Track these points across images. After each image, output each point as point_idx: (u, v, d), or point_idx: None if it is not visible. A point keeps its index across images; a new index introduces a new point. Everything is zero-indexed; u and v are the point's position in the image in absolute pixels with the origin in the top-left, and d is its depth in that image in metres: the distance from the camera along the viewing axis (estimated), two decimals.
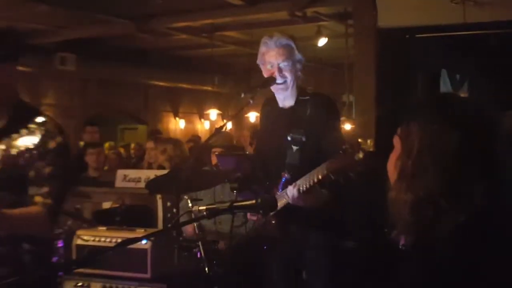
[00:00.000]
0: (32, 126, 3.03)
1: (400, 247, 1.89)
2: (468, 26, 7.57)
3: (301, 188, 3.88)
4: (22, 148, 2.88)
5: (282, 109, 4.37)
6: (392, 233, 1.88)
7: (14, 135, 3.09)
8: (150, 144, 9.09)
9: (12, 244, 3.24)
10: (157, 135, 12.76)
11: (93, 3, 10.45)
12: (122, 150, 14.08)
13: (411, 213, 1.80)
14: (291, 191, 3.91)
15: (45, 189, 3.17)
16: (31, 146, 2.89)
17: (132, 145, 13.75)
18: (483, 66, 9.80)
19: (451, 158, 1.78)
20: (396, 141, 1.95)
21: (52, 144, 3.05)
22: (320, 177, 3.77)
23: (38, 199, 3.17)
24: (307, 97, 4.31)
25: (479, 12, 7.34)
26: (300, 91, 4.33)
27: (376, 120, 7.51)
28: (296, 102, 4.31)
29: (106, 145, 11.97)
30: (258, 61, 4.38)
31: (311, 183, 3.83)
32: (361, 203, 5.96)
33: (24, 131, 3.06)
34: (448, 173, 1.77)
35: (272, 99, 4.39)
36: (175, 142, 8.20)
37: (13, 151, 2.89)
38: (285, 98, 4.32)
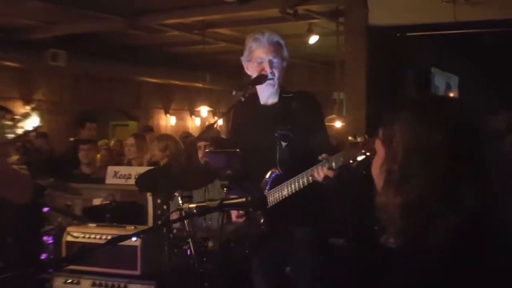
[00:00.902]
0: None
1: (390, 245, 1.87)
2: (458, 25, 7.61)
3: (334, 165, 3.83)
4: None
5: (265, 106, 4.37)
6: (382, 237, 1.85)
7: None
8: (130, 141, 8.97)
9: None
10: (149, 131, 12.73)
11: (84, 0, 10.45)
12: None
13: (403, 217, 1.76)
14: (322, 171, 3.84)
15: (15, 157, 3.21)
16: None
17: (112, 142, 13.64)
18: (473, 64, 9.83)
19: (440, 160, 1.74)
20: (378, 145, 1.90)
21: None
22: (348, 161, 3.75)
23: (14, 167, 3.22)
24: (291, 94, 4.34)
25: (469, 11, 7.36)
26: (282, 89, 4.35)
27: (367, 118, 7.54)
28: (279, 99, 4.33)
29: (101, 142, 11.94)
30: (244, 57, 4.39)
31: (336, 166, 3.81)
32: (351, 201, 5.97)
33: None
34: (437, 175, 1.73)
35: (250, 96, 4.38)
36: (174, 139, 8.18)
37: None
38: (269, 95, 4.33)
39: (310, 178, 3.88)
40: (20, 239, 3.39)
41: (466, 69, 10.30)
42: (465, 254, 1.68)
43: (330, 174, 3.82)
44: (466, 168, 1.74)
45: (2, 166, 3.14)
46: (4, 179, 3.16)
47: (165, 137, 8.30)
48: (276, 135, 4.19)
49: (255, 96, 4.37)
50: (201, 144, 6.58)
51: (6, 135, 2.88)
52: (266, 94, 4.33)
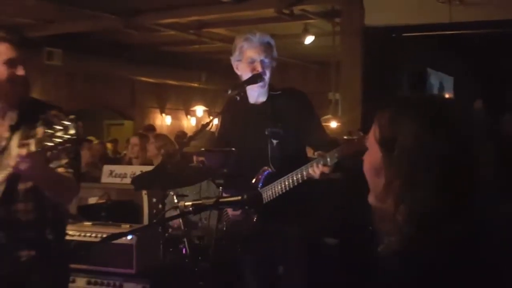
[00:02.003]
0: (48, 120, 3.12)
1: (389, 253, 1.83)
2: (454, 26, 7.62)
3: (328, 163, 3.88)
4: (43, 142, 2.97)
5: (254, 105, 4.40)
6: (381, 246, 1.80)
7: (29, 130, 3.20)
8: (134, 140, 9.05)
9: (39, 228, 3.35)
10: (152, 131, 12.73)
11: None
12: (109, 146, 14.06)
13: (409, 226, 1.69)
14: (318, 168, 3.89)
15: (64, 161, 3.29)
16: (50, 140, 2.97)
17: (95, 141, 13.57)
18: (468, 65, 9.86)
19: (446, 167, 1.67)
20: (373, 144, 1.81)
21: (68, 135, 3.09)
22: (337, 159, 3.80)
23: (61, 170, 3.30)
24: (279, 92, 4.37)
25: (465, 11, 7.38)
26: (270, 87, 4.38)
27: (362, 118, 7.55)
28: (268, 98, 4.36)
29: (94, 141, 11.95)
30: (234, 57, 4.42)
31: (331, 163, 3.85)
32: (343, 201, 5.99)
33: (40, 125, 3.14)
34: (444, 182, 1.67)
35: (237, 98, 4.40)
36: (170, 139, 8.24)
37: (33, 146, 2.97)
38: (259, 94, 4.36)
39: (305, 174, 3.92)
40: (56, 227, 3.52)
41: (462, 70, 10.32)
42: (466, 260, 1.64)
43: (326, 170, 3.86)
44: (470, 174, 1.69)
45: (45, 172, 3.22)
46: (48, 183, 3.26)
47: (163, 137, 8.35)
48: (266, 133, 4.22)
49: (244, 95, 4.39)
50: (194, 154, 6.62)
51: (47, 142, 2.94)
52: (256, 93, 4.36)
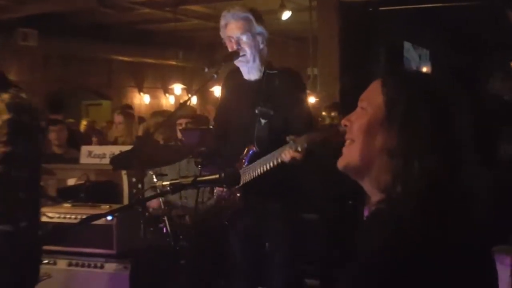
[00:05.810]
0: None
1: (364, 219, 1.85)
2: None
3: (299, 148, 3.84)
4: None
5: (248, 82, 4.34)
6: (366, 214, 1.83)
7: None
8: (119, 119, 8.92)
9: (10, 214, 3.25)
10: (128, 110, 12.66)
11: None
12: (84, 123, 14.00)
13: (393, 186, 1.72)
14: (289, 152, 3.81)
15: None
16: None
17: (84, 122, 13.52)
18: (445, 37, 9.89)
19: (446, 140, 1.72)
20: (374, 105, 1.84)
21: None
22: (304, 147, 3.75)
23: None
24: (275, 71, 4.30)
25: None
26: (267, 65, 4.31)
27: (340, 93, 7.57)
28: (263, 76, 4.30)
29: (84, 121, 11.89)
30: (221, 36, 4.38)
31: (301, 148, 3.81)
32: (325, 176, 6.00)
33: None
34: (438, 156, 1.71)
35: (236, 71, 4.35)
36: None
37: None
38: (249, 71, 4.29)
39: (279, 159, 3.87)
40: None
41: (438, 43, 10.35)
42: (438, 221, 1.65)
43: (297, 156, 3.81)
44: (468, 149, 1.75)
45: None
46: None
47: (158, 113, 8.26)
48: (256, 111, 4.18)
49: (240, 72, 4.35)
50: (182, 121, 6.59)
51: None
52: (246, 70, 4.30)
